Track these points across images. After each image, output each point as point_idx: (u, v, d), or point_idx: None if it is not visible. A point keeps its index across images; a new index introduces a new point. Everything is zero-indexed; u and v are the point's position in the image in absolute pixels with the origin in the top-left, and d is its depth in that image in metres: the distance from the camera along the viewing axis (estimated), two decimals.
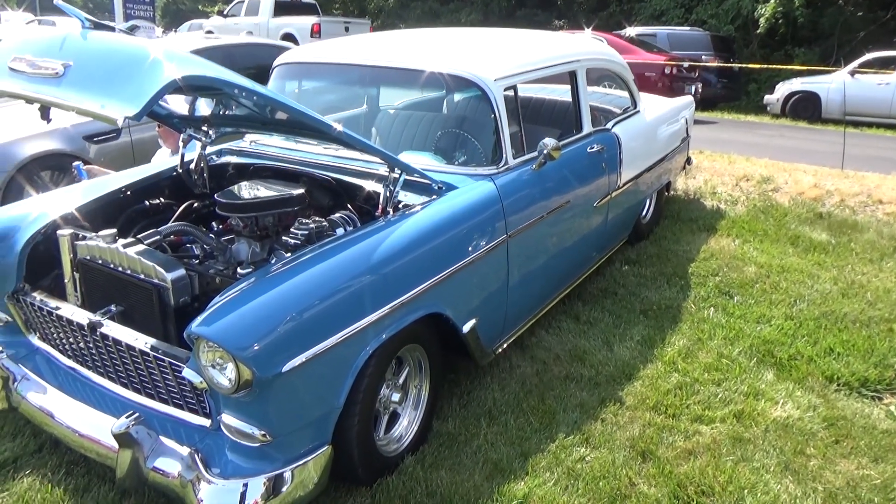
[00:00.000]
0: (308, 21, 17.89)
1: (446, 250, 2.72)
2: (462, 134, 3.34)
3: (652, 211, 5.33)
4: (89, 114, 2.02)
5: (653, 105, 5.23)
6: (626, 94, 4.83)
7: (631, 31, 15.46)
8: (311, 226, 2.77)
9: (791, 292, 4.30)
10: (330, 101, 3.94)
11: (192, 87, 2.19)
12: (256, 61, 6.03)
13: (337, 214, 2.93)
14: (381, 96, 3.90)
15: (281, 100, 2.42)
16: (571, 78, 3.93)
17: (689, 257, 4.84)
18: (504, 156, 3.17)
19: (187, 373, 2.17)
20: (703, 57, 13.80)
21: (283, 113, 2.64)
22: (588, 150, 3.88)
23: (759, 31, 16.27)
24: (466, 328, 2.83)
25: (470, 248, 2.82)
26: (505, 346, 3.25)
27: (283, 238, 2.78)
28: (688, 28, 15.52)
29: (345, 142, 2.68)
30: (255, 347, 2.01)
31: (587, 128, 3.98)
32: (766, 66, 14.45)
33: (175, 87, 1.99)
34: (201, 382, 2.14)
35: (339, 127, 2.55)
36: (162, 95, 1.97)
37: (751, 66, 14.38)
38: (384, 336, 2.41)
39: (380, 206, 2.78)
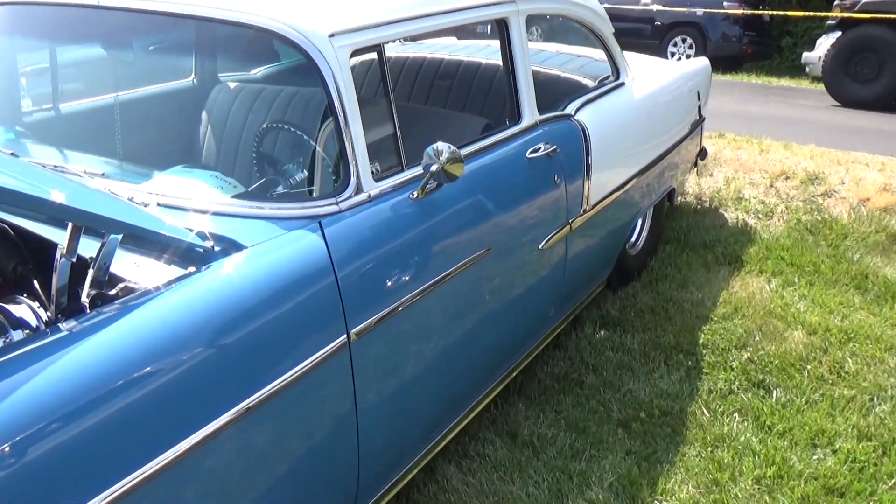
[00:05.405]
0: None
1: (201, 384, 1.58)
2: (272, 137, 2.19)
3: (646, 234, 4.23)
4: None
5: (647, 71, 4.12)
6: (603, 55, 3.73)
7: None
8: None
9: (864, 380, 3.21)
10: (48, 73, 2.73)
11: None
12: None
13: None
14: (142, 66, 2.71)
15: None
16: (501, 32, 2.81)
17: (702, 314, 3.72)
18: (352, 178, 2.03)
19: None
20: (725, 3, 13.10)
21: None
22: (528, 154, 2.77)
23: None
24: None
25: (258, 375, 1.69)
26: None
27: None
28: None
29: None
30: None
31: (529, 116, 2.86)
32: (805, 13, 13.55)
33: None
34: None
35: None
36: None
37: (787, 14, 13.45)
38: None
39: (55, 300, 1.62)
